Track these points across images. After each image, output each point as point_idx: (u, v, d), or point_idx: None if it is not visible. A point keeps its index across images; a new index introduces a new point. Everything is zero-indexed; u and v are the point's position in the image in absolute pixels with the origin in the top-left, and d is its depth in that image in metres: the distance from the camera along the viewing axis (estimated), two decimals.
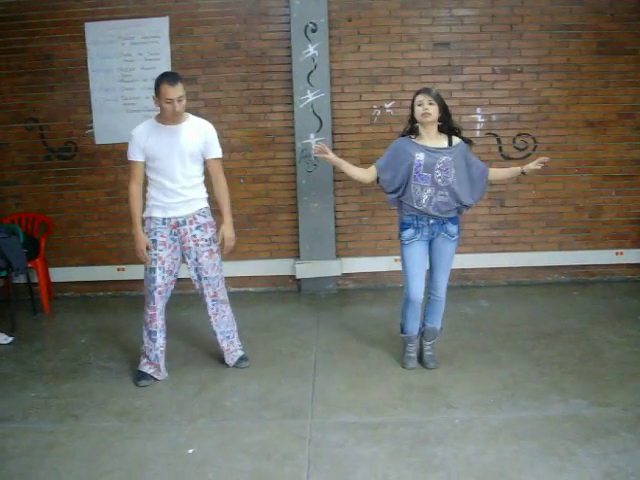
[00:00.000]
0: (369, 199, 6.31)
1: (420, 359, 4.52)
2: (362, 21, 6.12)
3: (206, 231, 4.31)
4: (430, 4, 6.09)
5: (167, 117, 4.12)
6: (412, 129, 4.22)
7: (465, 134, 4.29)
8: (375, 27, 6.12)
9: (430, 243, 4.28)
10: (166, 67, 6.05)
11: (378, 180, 4.29)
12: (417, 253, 4.24)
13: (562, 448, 3.35)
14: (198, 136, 4.22)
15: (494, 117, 6.28)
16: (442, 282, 4.36)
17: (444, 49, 6.16)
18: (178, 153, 4.17)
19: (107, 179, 6.36)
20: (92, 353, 4.96)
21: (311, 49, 5.99)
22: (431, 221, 4.20)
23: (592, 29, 6.14)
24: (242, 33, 6.15)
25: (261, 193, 6.39)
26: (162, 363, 4.42)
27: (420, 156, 4.09)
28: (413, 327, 4.43)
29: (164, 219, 4.24)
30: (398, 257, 4.50)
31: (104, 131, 6.25)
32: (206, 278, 4.35)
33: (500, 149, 6.31)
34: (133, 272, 6.18)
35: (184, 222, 4.26)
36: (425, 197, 4.12)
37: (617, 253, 6.44)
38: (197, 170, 4.29)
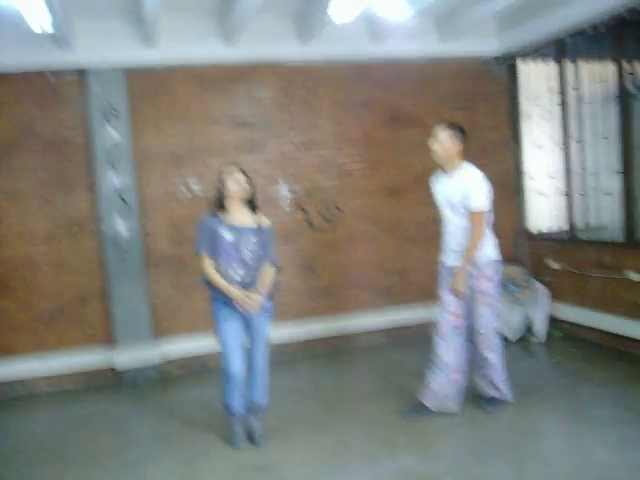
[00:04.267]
0: (182, 277, 6.19)
1: (249, 437, 4.45)
2: (163, 104, 6.12)
3: (480, 282, 4.47)
4: (230, 86, 6.25)
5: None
6: (219, 205, 4.31)
7: (273, 210, 4.40)
8: (176, 109, 6.16)
9: (244, 320, 4.32)
10: None
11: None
12: (232, 328, 4.29)
13: None
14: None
15: (300, 191, 6.48)
16: (260, 356, 4.39)
17: (246, 128, 6.31)
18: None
19: None
20: None
21: (113, 133, 5.88)
22: None
23: (383, 103, 6.63)
24: (39, 119, 5.90)
25: (70, 282, 6.05)
26: None
27: (228, 235, 4.20)
28: (237, 405, 4.38)
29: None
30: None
31: None
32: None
33: (309, 222, 6.50)
34: None
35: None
36: (232, 274, 4.22)
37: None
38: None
